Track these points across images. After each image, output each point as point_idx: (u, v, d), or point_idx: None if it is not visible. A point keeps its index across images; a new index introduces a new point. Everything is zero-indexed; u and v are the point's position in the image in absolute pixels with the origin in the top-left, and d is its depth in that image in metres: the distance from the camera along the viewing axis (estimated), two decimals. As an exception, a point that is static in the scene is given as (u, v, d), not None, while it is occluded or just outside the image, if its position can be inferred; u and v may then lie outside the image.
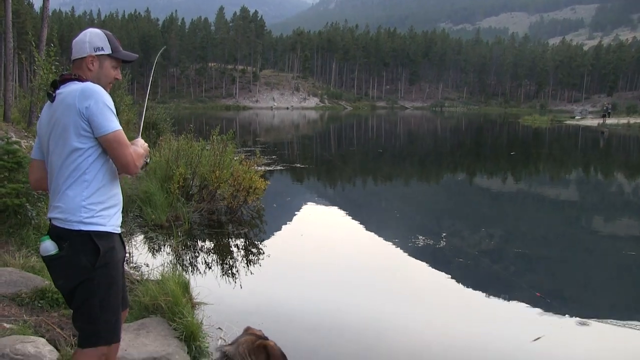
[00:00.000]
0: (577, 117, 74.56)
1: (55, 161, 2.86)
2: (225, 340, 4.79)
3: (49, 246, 2.78)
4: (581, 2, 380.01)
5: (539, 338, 5.63)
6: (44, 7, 20.85)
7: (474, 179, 20.69)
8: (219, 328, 5.08)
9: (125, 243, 7.56)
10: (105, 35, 3.04)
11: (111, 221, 2.89)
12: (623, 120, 56.18)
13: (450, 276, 7.96)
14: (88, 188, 2.80)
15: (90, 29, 3.06)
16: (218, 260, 8.22)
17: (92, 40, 2.99)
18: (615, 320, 6.31)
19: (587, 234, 11.71)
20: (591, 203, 15.99)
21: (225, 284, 7.12)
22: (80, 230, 2.76)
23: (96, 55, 2.99)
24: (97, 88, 2.82)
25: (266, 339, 2.45)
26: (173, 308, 4.63)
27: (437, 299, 7.03)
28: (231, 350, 2.41)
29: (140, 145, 3.07)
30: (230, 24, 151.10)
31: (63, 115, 2.79)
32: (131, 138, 3.03)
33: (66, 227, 2.77)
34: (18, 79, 55.41)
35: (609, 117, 59.85)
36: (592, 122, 61.25)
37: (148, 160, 3.20)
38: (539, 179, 20.97)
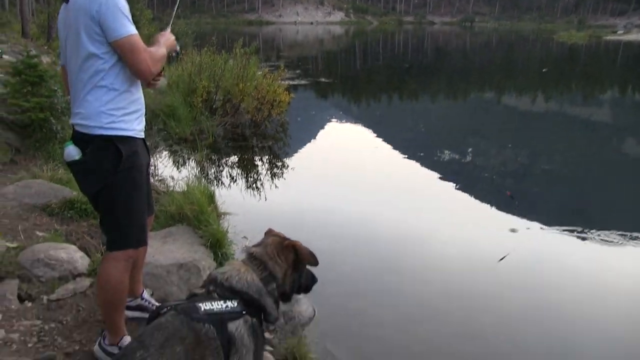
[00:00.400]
0: (619, 32, 70.16)
1: (73, 66, 2.82)
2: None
3: (72, 151, 2.78)
4: None
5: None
6: None
7: (502, 97, 20.27)
8: (244, 237, 5.16)
9: (150, 155, 7.69)
10: None
11: (133, 125, 2.86)
12: None
13: (471, 192, 7.96)
14: (107, 94, 2.76)
15: None
16: (242, 173, 8.28)
17: None
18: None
19: (616, 155, 11.46)
20: (625, 124, 15.51)
21: (250, 195, 7.20)
22: (102, 135, 2.74)
23: None
24: None
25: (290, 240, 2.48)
26: (199, 216, 4.70)
27: (458, 213, 7.03)
28: (259, 251, 2.44)
29: (165, 40, 3.02)
30: None
31: (76, 19, 2.71)
32: None
33: (88, 132, 2.76)
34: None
35: None
36: (637, 36, 57.43)
37: (177, 49, 3.15)
38: (571, 97, 20.37)
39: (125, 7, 2.72)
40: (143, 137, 3.00)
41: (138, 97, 2.93)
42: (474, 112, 17.03)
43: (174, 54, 3.16)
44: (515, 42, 61.95)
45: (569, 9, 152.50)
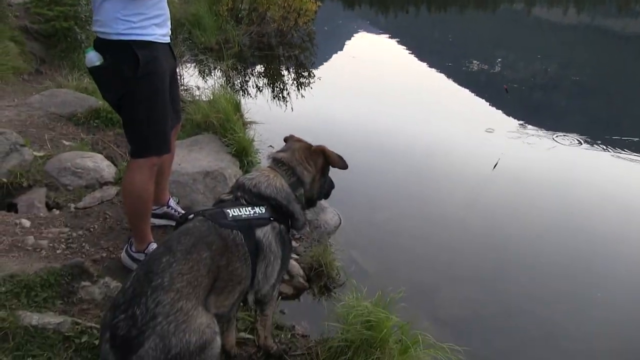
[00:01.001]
0: None
1: None
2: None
3: (92, 57, 2.70)
4: None
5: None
6: None
7: (532, 8, 19.50)
8: (270, 145, 5.09)
9: (177, 60, 7.57)
10: None
11: (153, 30, 2.74)
12: None
13: (498, 105, 7.81)
14: (124, 0, 2.66)
15: None
16: (268, 82, 8.17)
17: None
18: None
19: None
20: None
21: (276, 105, 7.11)
22: (120, 40, 2.65)
23: None
24: None
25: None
26: (225, 125, 4.63)
27: (483, 124, 6.86)
28: (287, 156, 2.38)
29: None
30: None
31: None
32: None
33: (106, 38, 2.68)
34: None
35: None
36: None
37: None
38: (605, 10, 19.44)
39: None
40: (166, 41, 2.89)
41: (157, 1, 2.79)
42: (504, 23, 16.52)
43: None
44: None
45: None
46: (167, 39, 2.90)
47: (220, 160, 4.15)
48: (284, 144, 2.53)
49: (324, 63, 9.75)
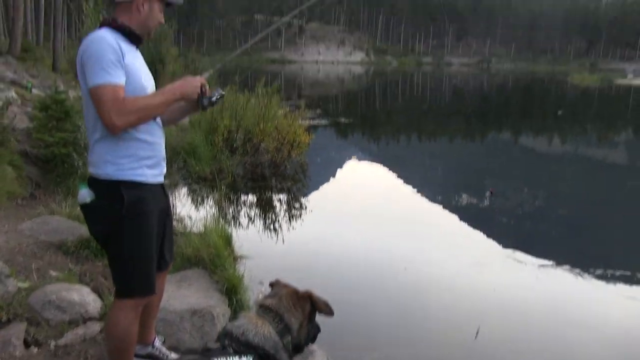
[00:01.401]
0: (629, 77, 72.05)
1: (84, 111, 2.81)
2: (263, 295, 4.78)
3: (84, 194, 2.73)
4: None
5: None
6: (93, -45, 20.90)
7: (519, 138, 20.33)
8: (260, 282, 5.05)
9: (169, 198, 7.64)
10: None
11: (143, 171, 2.78)
12: None
13: (492, 236, 7.80)
14: (114, 142, 2.69)
15: None
16: (261, 214, 8.22)
17: None
18: None
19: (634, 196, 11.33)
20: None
21: (267, 238, 7.11)
22: (108, 180, 2.70)
23: None
24: (98, 36, 2.65)
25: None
26: (215, 261, 4.61)
27: (478, 257, 6.86)
28: (274, 303, 2.36)
29: (180, 85, 2.82)
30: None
31: (78, 64, 2.70)
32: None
33: (97, 177, 2.73)
34: (67, 30, 56.01)
35: None
36: None
37: (214, 98, 2.94)
38: (587, 139, 20.48)
39: (106, 55, 2.60)
40: (158, 181, 2.91)
41: (151, 143, 2.83)
42: (492, 153, 17.11)
43: (213, 98, 2.94)
44: (530, 84, 62.69)
45: (580, 52, 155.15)
46: (160, 179, 2.93)
47: (209, 297, 4.08)
48: (271, 289, 2.52)
49: (316, 192, 9.90)
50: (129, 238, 2.75)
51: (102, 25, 2.81)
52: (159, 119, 2.92)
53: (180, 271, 4.65)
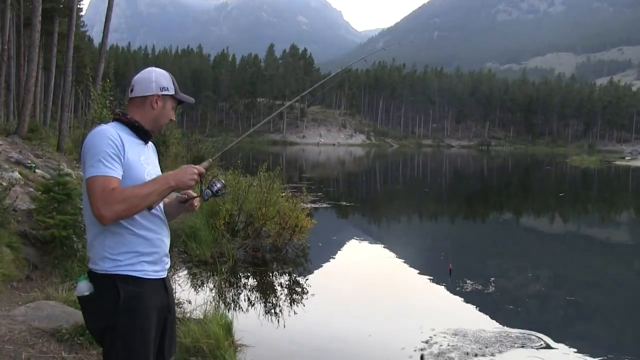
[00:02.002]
0: (627, 158, 73.52)
1: (83, 204, 2.79)
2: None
3: (83, 287, 2.66)
4: (629, 42, 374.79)
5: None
6: (103, 43, 21.88)
7: (521, 219, 20.38)
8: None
9: (170, 279, 7.49)
10: (170, 76, 2.97)
11: (142, 267, 2.71)
12: None
13: (495, 319, 7.73)
14: (110, 238, 2.65)
15: (155, 69, 2.98)
16: (261, 299, 8.05)
17: (159, 79, 2.91)
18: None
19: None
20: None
21: (269, 324, 6.92)
22: (105, 273, 2.64)
23: (161, 95, 2.90)
24: (100, 130, 2.68)
25: None
26: (215, 352, 4.44)
27: (482, 344, 6.64)
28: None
29: (175, 174, 2.74)
30: (280, 61, 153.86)
31: (81, 155, 2.72)
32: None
33: (94, 271, 2.67)
34: (74, 111, 57.23)
35: None
36: None
37: (216, 189, 2.90)
38: (589, 220, 20.61)
39: (103, 148, 2.60)
40: (159, 277, 2.81)
41: (152, 238, 2.76)
42: (493, 232, 17.14)
43: (215, 188, 2.90)
44: (530, 166, 63.77)
45: (578, 134, 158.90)
46: (161, 275, 2.83)
47: (208, 394, 3.90)
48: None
49: (318, 275, 9.76)
50: (123, 334, 2.64)
51: (114, 119, 2.84)
52: (161, 214, 2.86)
53: (179, 363, 4.48)
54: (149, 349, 2.73)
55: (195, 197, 2.96)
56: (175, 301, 6.91)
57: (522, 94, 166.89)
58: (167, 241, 2.89)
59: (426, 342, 6.54)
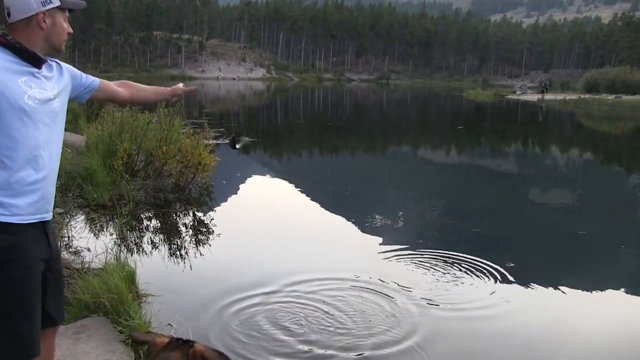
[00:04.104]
0: (517, 92, 77.56)
1: None
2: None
3: None
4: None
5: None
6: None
7: (418, 150, 21.10)
8: (169, 324, 4.62)
9: (64, 226, 7.02)
10: None
11: (15, 210, 2.36)
12: (559, 96, 58.69)
13: (388, 241, 8.25)
14: None
15: None
16: (165, 242, 7.72)
17: None
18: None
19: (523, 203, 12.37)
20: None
21: (174, 269, 6.64)
22: None
23: (46, 10, 2.45)
24: None
25: (188, 343, 2.03)
26: (117, 307, 4.14)
27: (388, 271, 6.72)
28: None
29: None
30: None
31: None
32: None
33: None
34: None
35: (547, 92, 61.88)
36: (532, 97, 64.15)
37: None
38: (490, 152, 21.70)
39: None
40: (39, 220, 2.49)
41: (26, 174, 2.41)
42: (391, 164, 17.86)
43: None
44: (428, 99, 65.96)
45: (473, 69, 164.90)
46: (43, 217, 2.50)
47: (112, 352, 3.63)
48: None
49: (223, 214, 9.54)
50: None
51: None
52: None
53: (78, 320, 4.14)
54: (31, 305, 2.41)
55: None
56: (73, 249, 6.52)
57: (421, 28, 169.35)
58: (49, 177, 2.56)
59: (333, 269, 6.67)
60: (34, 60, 2.47)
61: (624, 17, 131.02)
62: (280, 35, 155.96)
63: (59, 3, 2.51)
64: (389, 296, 5.96)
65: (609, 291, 6.96)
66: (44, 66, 2.54)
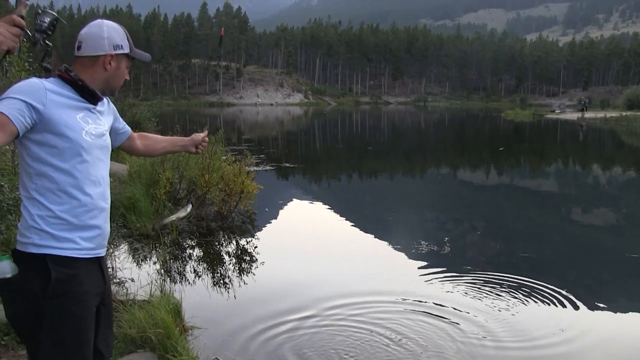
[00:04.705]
0: (556, 111, 76.66)
1: None
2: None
3: (5, 267, 2.24)
4: (554, 0, 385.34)
5: None
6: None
7: (457, 171, 21.06)
8: (216, 358, 4.51)
9: (108, 256, 7.00)
10: (124, 30, 2.55)
11: (75, 244, 2.34)
12: (600, 114, 57.55)
13: (431, 264, 8.15)
14: (38, 203, 2.29)
15: (106, 21, 2.53)
16: (209, 271, 7.65)
17: (111, 35, 2.48)
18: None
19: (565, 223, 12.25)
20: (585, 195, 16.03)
21: (219, 299, 6.55)
22: (32, 253, 2.26)
23: (115, 54, 2.49)
24: (28, 80, 2.28)
25: None
26: (164, 342, 4.04)
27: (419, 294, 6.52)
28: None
29: None
30: (214, 20, 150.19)
31: None
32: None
33: (20, 248, 2.30)
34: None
35: (586, 110, 60.90)
36: (571, 115, 63.49)
37: (46, 25, 2.26)
38: (531, 173, 21.29)
39: (17, 89, 2.21)
40: (96, 255, 2.46)
41: (88, 206, 2.39)
42: (432, 186, 17.79)
43: (45, 24, 2.25)
44: (466, 120, 65.73)
45: (511, 89, 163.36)
46: (99, 253, 2.48)
47: (160, 390, 3.53)
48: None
49: (267, 242, 9.42)
50: (52, 321, 2.26)
51: (57, 75, 2.41)
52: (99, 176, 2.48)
53: (125, 356, 4.06)
54: (83, 340, 2.35)
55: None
56: (117, 280, 6.48)
57: (457, 50, 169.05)
58: (104, 207, 2.53)
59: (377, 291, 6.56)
60: (92, 98, 2.48)
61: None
62: (317, 60, 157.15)
63: (128, 51, 2.55)
64: (451, 321, 5.80)
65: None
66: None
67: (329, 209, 12.81)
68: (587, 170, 22.46)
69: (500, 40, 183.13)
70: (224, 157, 11.15)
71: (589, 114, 58.18)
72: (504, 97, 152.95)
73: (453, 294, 6.80)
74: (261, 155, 20.98)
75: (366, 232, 10.55)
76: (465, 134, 44.72)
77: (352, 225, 11.16)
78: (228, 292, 6.80)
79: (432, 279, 7.37)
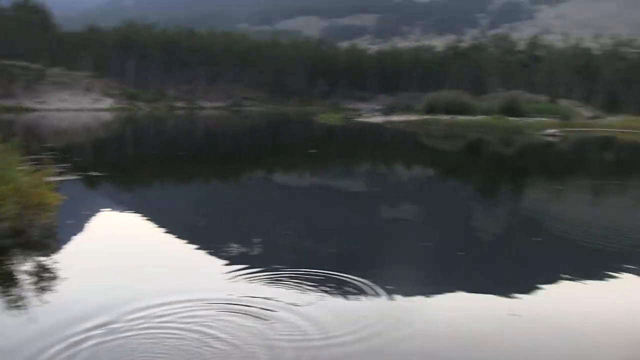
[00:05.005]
0: (365, 115, 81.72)
1: None
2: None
3: None
4: (365, 10, 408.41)
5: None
6: None
7: (269, 176, 21.94)
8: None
9: None
10: None
11: None
12: (403, 117, 63.05)
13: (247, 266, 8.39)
14: None
15: None
16: (2, 295, 7.09)
17: None
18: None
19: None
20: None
21: (15, 325, 6.12)
22: None
23: None
24: None
25: None
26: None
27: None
28: None
29: None
30: (11, 14, 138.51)
31: None
32: None
33: None
34: None
35: (392, 114, 66.65)
36: (379, 119, 68.16)
37: None
38: (340, 173, 22.82)
39: None
40: None
41: None
42: (244, 190, 18.25)
43: None
44: (282, 124, 67.84)
45: (324, 94, 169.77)
46: None
47: None
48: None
49: (70, 257, 9.06)
50: None
51: None
52: None
53: None
54: None
55: None
56: None
57: (273, 56, 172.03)
58: None
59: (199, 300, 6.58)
60: None
61: (452, 47, 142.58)
62: (130, 63, 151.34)
63: None
64: (262, 318, 6.03)
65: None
66: None
67: (139, 217, 12.55)
68: (391, 170, 24.83)
69: (315, 47, 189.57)
70: (22, 168, 10.38)
71: (394, 117, 63.43)
72: (319, 102, 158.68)
73: (263, 292, 7.13)
74: (66, 164, 19.76)
75: (178, 238, 10.60)
76: (278, 137, 45.89)
77: (164, 232, 11.12)
78: (27, 315, 6.37)
79: (242, 280, 7.69)
